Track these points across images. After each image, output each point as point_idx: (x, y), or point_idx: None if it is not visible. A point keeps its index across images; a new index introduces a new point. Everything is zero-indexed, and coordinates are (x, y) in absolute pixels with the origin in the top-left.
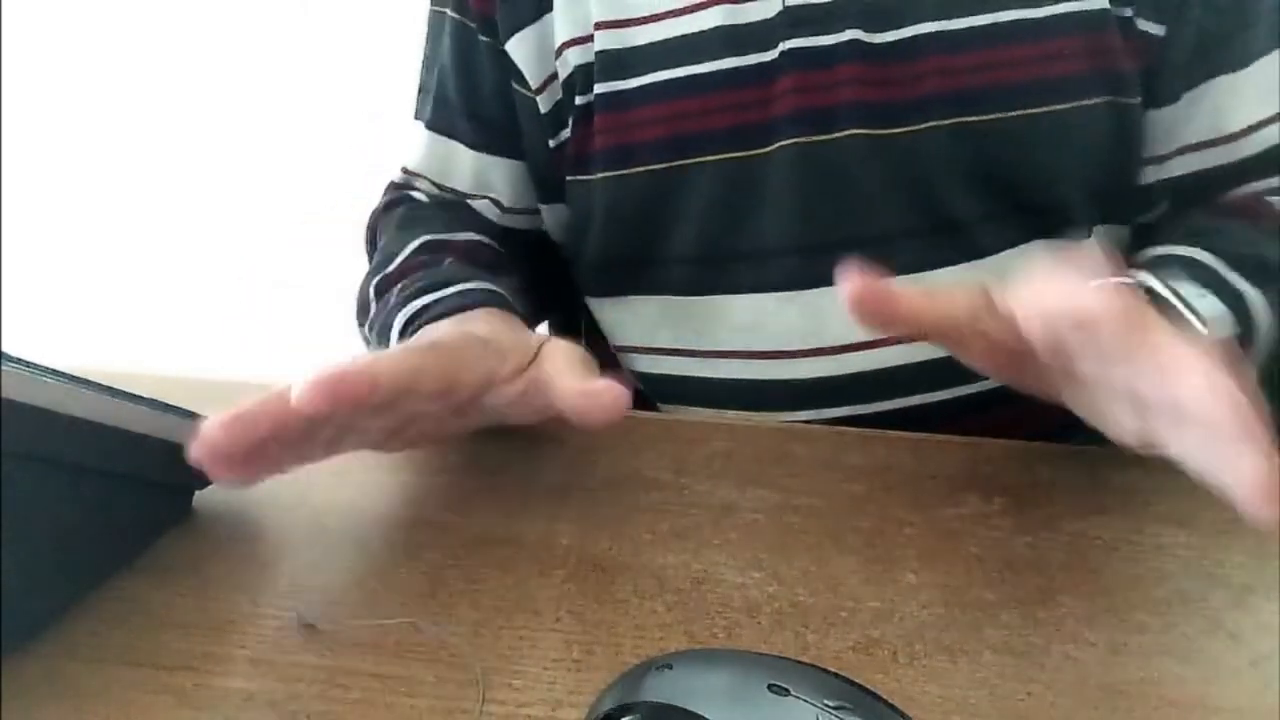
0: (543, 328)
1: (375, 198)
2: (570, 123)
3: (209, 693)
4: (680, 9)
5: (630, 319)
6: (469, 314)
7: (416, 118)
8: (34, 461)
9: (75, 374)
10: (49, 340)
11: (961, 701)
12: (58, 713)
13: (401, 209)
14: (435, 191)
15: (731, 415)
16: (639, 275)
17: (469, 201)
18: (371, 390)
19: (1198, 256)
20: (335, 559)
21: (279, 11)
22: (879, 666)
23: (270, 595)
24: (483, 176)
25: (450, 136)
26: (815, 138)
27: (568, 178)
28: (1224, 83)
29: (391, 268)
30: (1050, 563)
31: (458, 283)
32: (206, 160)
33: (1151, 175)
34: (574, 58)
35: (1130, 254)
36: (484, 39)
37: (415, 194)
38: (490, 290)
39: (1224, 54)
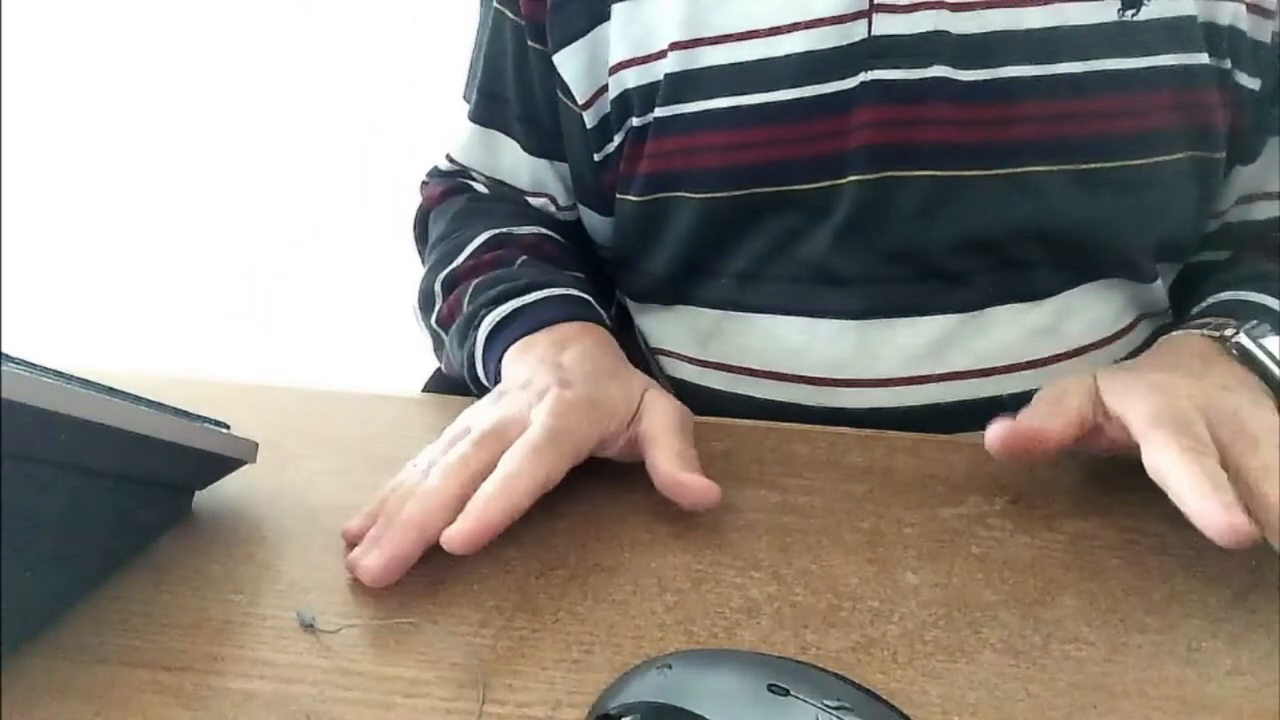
0: None
1: (375, 199)
2: (621, 141)
3: (209, 693)
4: (761, 30)
5: (674, 328)
6: (563, 332)
7: (465, 99)
8: (33, 462)
9: (75, 374)
10: (49, 340)
11: (961, 701)
12: (58, 713)
13: (461, 199)
14: (491, 183)
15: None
16: (687, 289)
17: (527, 198)
18: (514, 518)
19: (1269, 303)
20: (335, 559)
21: (279, 12)
22: (879, 666)
23: (270, 595)
24: (537, 175)
25: (504, 133)
26: (890, 173)
27: (619, 195)
28: None
29: (459, 261)
30: (1050, 563)
31: (537, 288)
32: (206, 160)
33: (1213, 224)
34: (631, 79)
35: (1174, 290)
36: (534, 45)
37: (474, 184)
38: (571, 296)
39: None
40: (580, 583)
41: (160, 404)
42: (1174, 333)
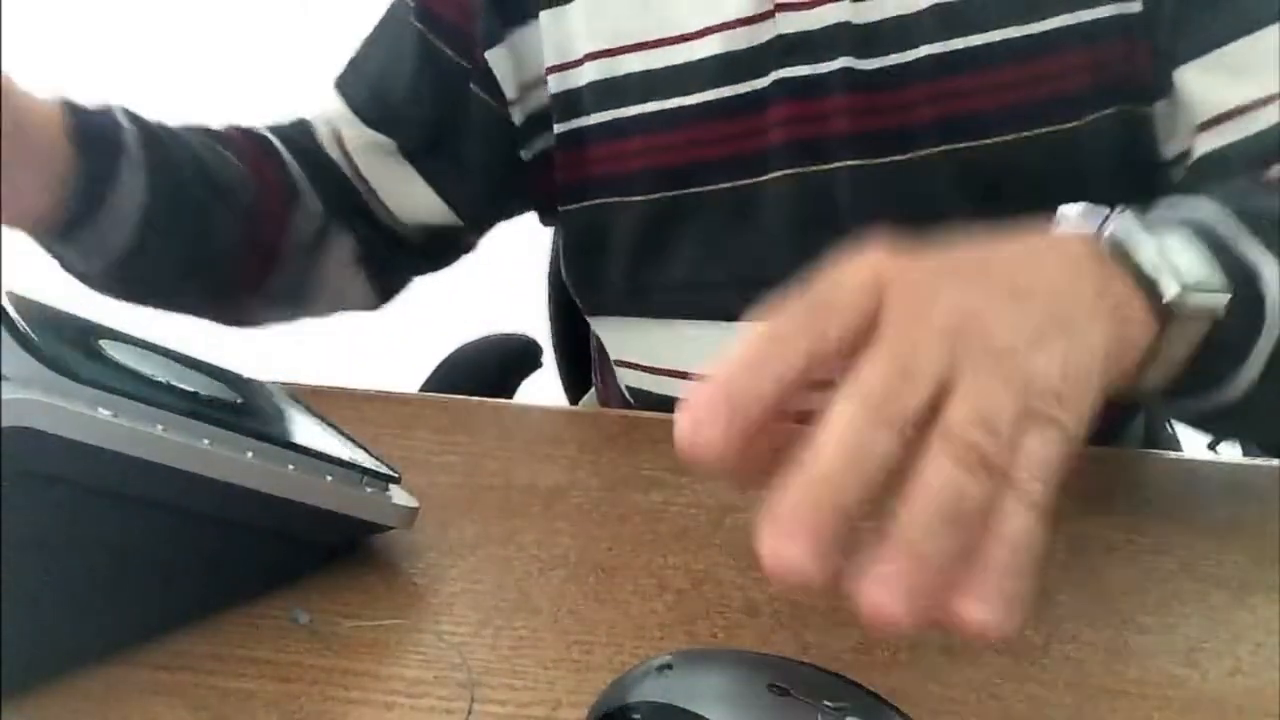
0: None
1: None
2: (550, 147)
3: (209, 693)
4: (676, 36)
5: (629, 339)
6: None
7: (339, 88)
8: (157, 509)
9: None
10: None
11: (961, 701)
12: (58, 713)
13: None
14: (339, 156)
15: None
16: (637, 299)
17: (315, 123)
18: None
19: (1198, 211)
20: (335, 559)
21: (279, 12)
22: (879, 666)
23: (270, 595)
24: (358, 142)
25: (347, 101)
26: (810, 168)
27: (560, 208)
28: (1206, 61)
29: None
30: (1050, 563)
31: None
32: None
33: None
34: (556, 84)
35: None
36: (417, 25)
37: (320, 130)
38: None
39: (1201, 35)
40: (580, 583)
41: (320, 455)
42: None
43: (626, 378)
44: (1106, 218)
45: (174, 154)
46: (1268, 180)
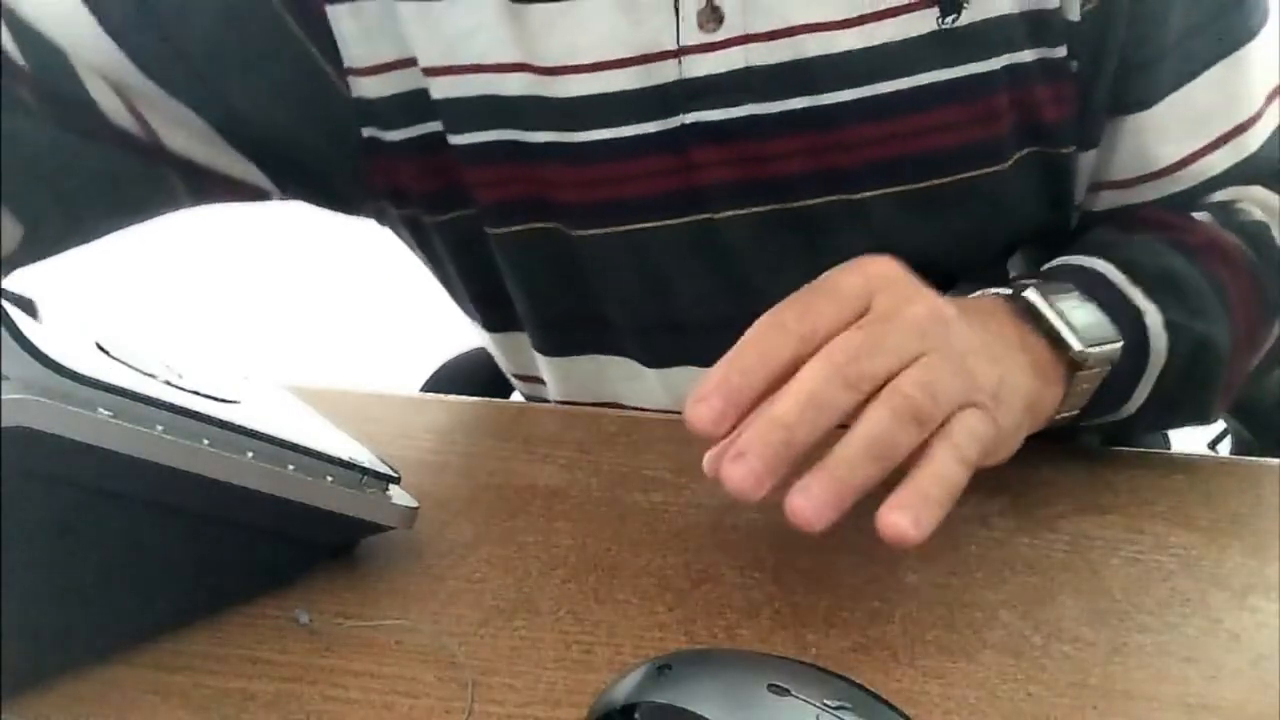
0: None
1: None
2: (402, 144)
3: (209, 693)
4: (586, 65)
5: (571, 383)
6: None
7: None
8: (154, 509)
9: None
10: None
11: (961, 701)
12: (58, 713)
13: None
14: (29, 55)
15: None
16: (579, 339)
17: (88, 83)
18: None
19: (1096, 267)
20: (335, 559)
21: None
22: (879, 666)
23: (270, 595)
24: (135, 88)
25: (128, 53)
26: (734, 211)
27: (488, 230)
28: (1142, 119)
29: None
30: (1050, 563)
31: None
32: None
33: (1077, 214)
34: (446, 89)
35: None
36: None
37: None
38: None
39: (1140, 88)
40: (580, 583)
41: (320, 455)
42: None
43: (522, 388)
44: (1011, 279)
45: None
46: (1150, 217)
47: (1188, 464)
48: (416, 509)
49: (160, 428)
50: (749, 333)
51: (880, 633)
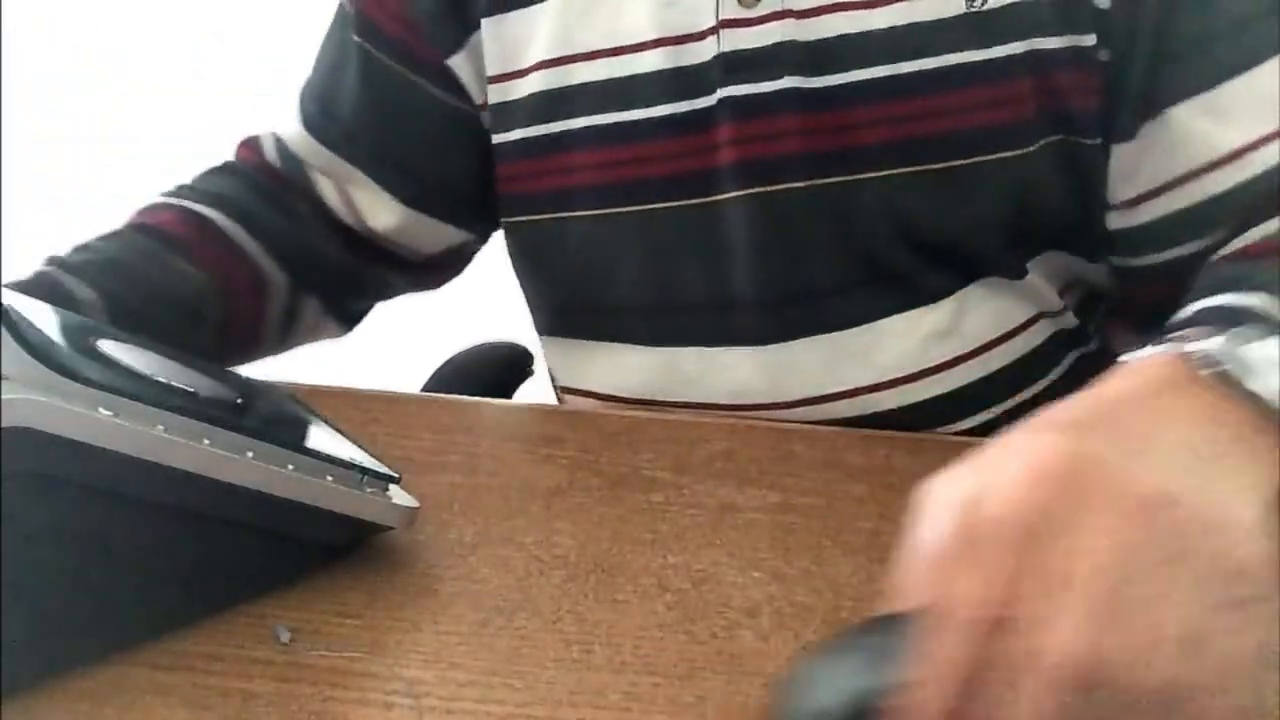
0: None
1: None
2: (497, 160)
3: (209, 693)
4: (624, 46)
5: (577, 364)
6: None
7: (301, 90)
8: (156, 509)
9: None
10: None
11: None
12: (58, 713)
13: (238, 154)
14: (279, 155)
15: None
16: (590, 321)
17: (313, 175)
18: None
19: (1254, 305)
20: (335, 559)
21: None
22: None
23: (270, 594)
24: (335, 169)
25: (315, 136)
26: (758, 189)
27: (504, 219)
28: (1196, 104)
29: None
30: None
31: (52, 264)
32: (206, 155)
33: (1120, 221)
34: (496, 95)
35: (1126, 291)
36: (357, 40)
37: (265, 141)
38: (45, 274)
39: (1187, 75)
40: (580, 583)
41: (320, 455)
42: (1133, 354)
43: (575, 404)
44: (1176, 329)
45: (135, 306)
46: (1252, 251)
47: None
48: (416, 509)
49: (161, 427)
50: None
51: None
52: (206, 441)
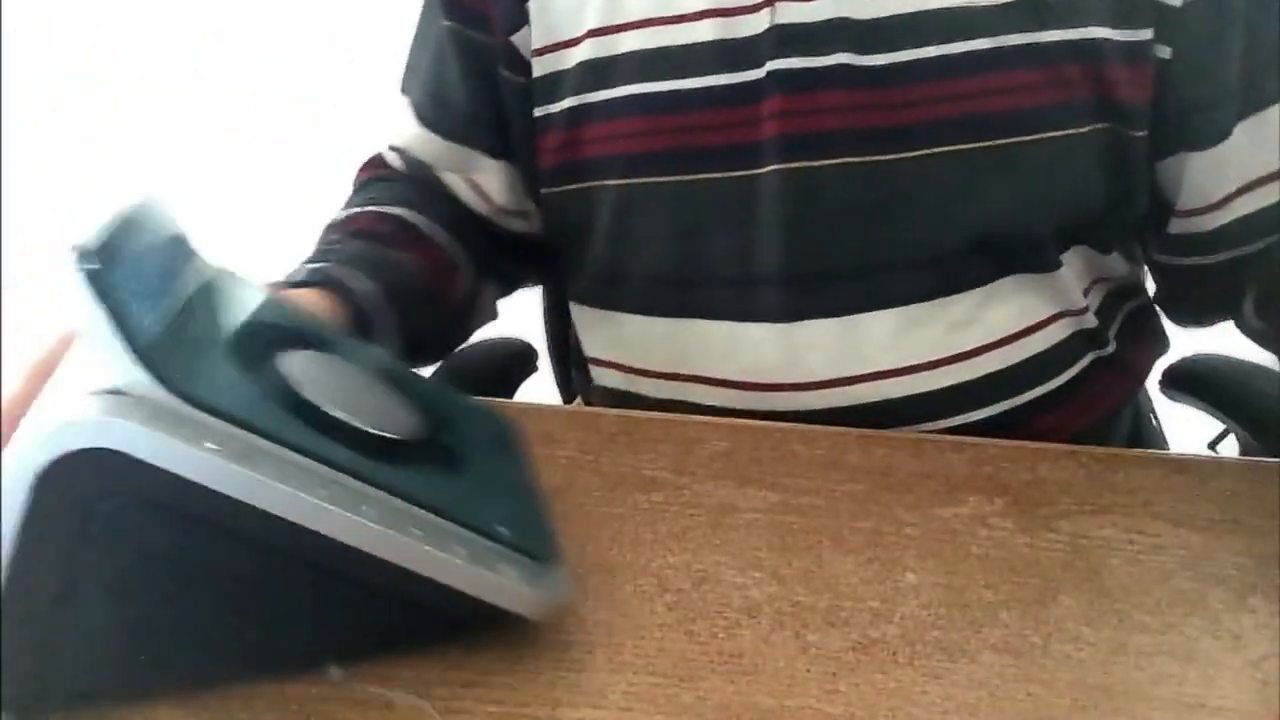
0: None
1: None
2: (539, 132)
3: (209, 693)
4: (671, 17)
5: (605, 336)
6: (296, 291)
7: (403, 92)
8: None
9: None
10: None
11: (961, 701)
12: (58, 713)
13: (368, 172)
14: (406, 164)
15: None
16: (617, 290)
17: (441, 175)
18: None
19: None
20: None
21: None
22: (879, 666)
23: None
24: (455, 158)
25: (424, 123)
26: (802, 163)
27: (542, 190)
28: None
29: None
30: (1050, 563)
31: (313, 260)
32: (208, 155)
33: (1211, 222)
34: (541, 67)
35: (1171, 285)
36: (446, 24)
37: (389, 157)
38: (317, 268)
39: (1265, 87)
40: (580, 583)
41: (462, 520)
42: None
43: (601, 376)
44: None
45: (403, 299)
46: None
47: (1188, 464)
48: (562, 602)
49: (269, 470)
50: None
51: (880, 633)
52: (322, 492)
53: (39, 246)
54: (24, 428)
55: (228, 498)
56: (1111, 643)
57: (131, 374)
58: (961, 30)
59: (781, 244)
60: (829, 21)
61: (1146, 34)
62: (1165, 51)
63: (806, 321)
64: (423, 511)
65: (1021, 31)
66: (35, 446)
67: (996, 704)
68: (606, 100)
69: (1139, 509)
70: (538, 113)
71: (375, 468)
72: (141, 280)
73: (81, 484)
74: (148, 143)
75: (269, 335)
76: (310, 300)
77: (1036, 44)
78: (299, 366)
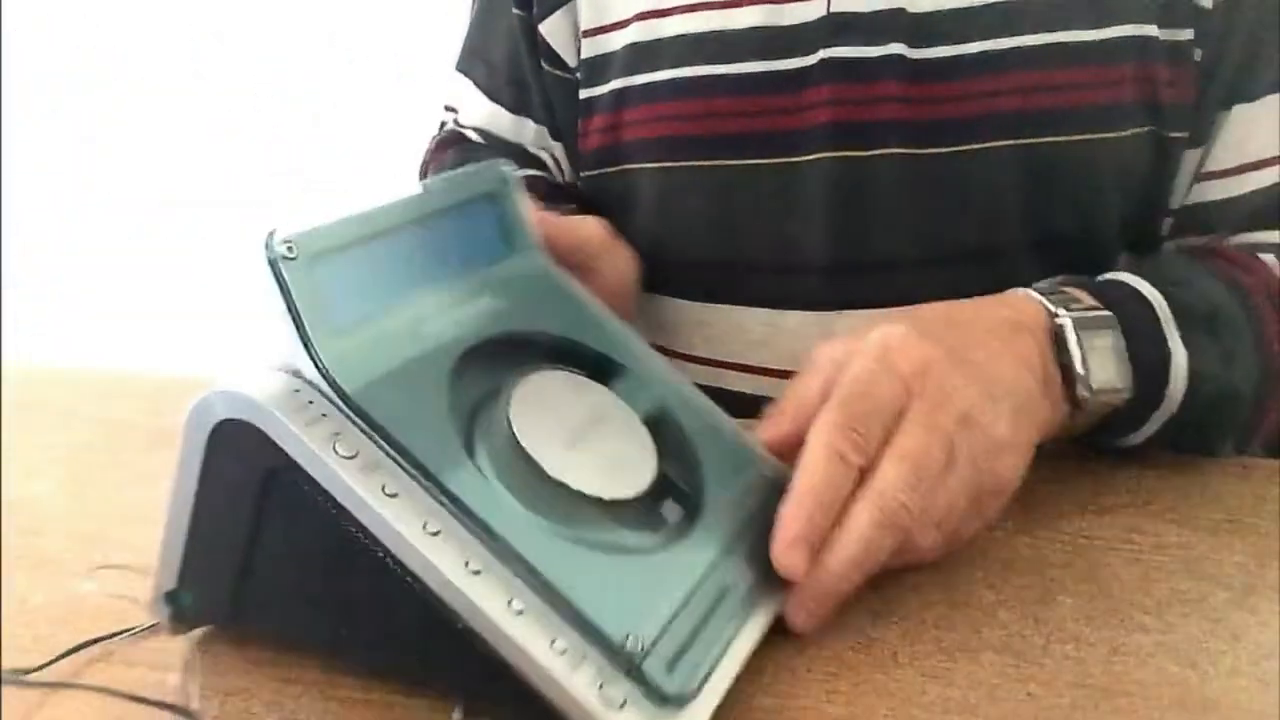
0: None
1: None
2: (584, 114)
3: (209, 693)
4: (720, 1)
5: (643, 321)
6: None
7: (461, 71)
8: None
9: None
10: (49, 339)
11: (961, 701)
12: (57, 712)
13: (454, 150)
14: (487, 141)
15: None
16: (656, 274)
17: (529, 149)
18: None
19: (1151, 301)
20: None
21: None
22: (879, 666)
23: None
24: (527, 135)
25: (495, 101)
26: (850, 153)
27: (583, 173)
28: (1241, 112)
29: None
30: (1050, 563)
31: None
32: (210, 156)
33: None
34: (589, 49)
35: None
36: (516, 11)
37: (469, 134)
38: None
39: (1245, 82)
40: None
41: (588, 624)
42: (1019, 290)
43: None
44: (1064, 281)
45: None
46: (1220, 252)
47: (1188, 464)
48: None
49: (389, 503)
50: (814, 466)
51: (880, 633)
52: (469, 565)
53: (39, 246)
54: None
55: (341, 507)
56: (1111, 643)
57: (299, 360)
58: (1019, 26)
59: (826, 232)
60: (885, 12)
61: (1188, 34)
62: (1198, 54)
63: (847, 311)
64: (543, 602)
65: (1080, 28)
66: (205, 404)
67: (996, 704)
68: (650, 83)
69: (1139, 509)
70: (584, 94)
71: (530, 538)
72: (356, 275)
73: (240, 447)
74: (148, 143)
75: (529, 348)
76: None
77: (1094, 41)
78: (545, 390)
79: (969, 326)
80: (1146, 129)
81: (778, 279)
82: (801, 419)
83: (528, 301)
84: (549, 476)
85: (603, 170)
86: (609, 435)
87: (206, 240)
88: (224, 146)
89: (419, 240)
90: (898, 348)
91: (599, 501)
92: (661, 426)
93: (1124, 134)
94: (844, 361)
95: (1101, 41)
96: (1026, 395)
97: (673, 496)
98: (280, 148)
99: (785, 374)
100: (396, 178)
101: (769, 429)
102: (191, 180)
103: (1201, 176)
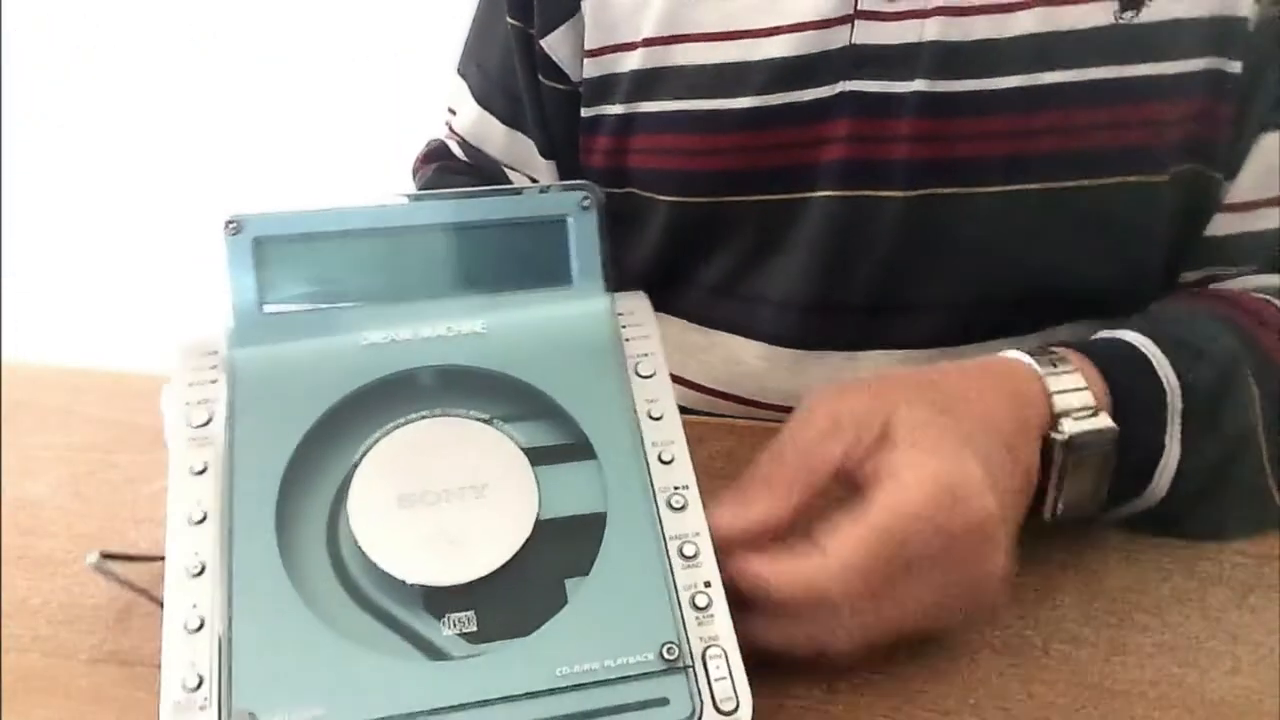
0: None
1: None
2: (584, 131)
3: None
4: (740, 31)
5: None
6: None
7: (459, 73)
8: None
9: None
10: (49, 339)
11: (961, 701)
12: (56, 712)
13: (436, 166)
14: (468, 154)
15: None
16: (658, 292)
17: (505, 170)
18: None
19: (1165, 383)
20: None
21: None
22: (879, 666)
23: None
24: (515, 150)
25: (486, 109)
26: (856, 192)
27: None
28: (1271, 140)
29: None
30: (1050, 563)
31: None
32: (206, 154)
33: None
34: (593, 69)
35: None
36: (513, 22)
37: (452, 146)
38: None
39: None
40: None
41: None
42: (1027, 371)
43: None
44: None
45: None
46: (1240, 303)
47: None
48: None
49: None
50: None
51: None
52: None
53: (39, 246)
54: None
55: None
56: (1111, 643)
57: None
58: (1049, 60)
59: (817, 271)
60: (910, 45)
61: (1236, 65)
62: (1244, 81)
63: (850, 353)
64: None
65: (1114, 63)
66: None
67: (997, 704)
68: (660, 113)
69: None
70: (587, 113)
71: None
72: (312, 265)
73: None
74: (148, 143)
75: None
76: None
77: (1131, 78)
78: (437, 439)
79: (994, 434)
80: (1189, 166)
81: (778, 314)
82: (808, 493)
83: (543, 345)
84: (354, 538)
85: (608, 190)
86: (472, 509)
87: (206, 240)
88: (224, 147)
89: (438, 246)
90: (964, 498)
91: (388, 577)
92: (577, 528)
93: (1164, 177)
94: (896, 471)
95: (1138, 79)
96: (1018, 518)
97: (488, 607)
98: (281, 148)
99: (777, 407)
100: (396, 178)
101: (768, 504)
102: (191, 181)
103: (1224, 208)
